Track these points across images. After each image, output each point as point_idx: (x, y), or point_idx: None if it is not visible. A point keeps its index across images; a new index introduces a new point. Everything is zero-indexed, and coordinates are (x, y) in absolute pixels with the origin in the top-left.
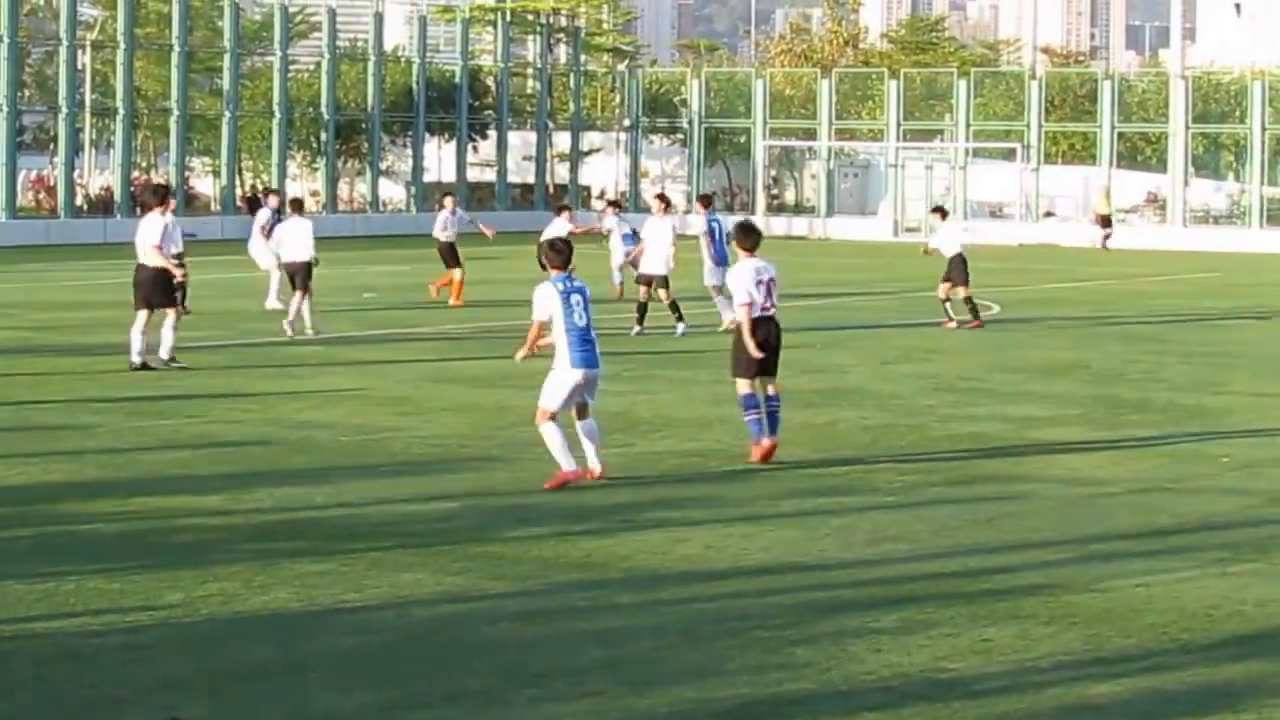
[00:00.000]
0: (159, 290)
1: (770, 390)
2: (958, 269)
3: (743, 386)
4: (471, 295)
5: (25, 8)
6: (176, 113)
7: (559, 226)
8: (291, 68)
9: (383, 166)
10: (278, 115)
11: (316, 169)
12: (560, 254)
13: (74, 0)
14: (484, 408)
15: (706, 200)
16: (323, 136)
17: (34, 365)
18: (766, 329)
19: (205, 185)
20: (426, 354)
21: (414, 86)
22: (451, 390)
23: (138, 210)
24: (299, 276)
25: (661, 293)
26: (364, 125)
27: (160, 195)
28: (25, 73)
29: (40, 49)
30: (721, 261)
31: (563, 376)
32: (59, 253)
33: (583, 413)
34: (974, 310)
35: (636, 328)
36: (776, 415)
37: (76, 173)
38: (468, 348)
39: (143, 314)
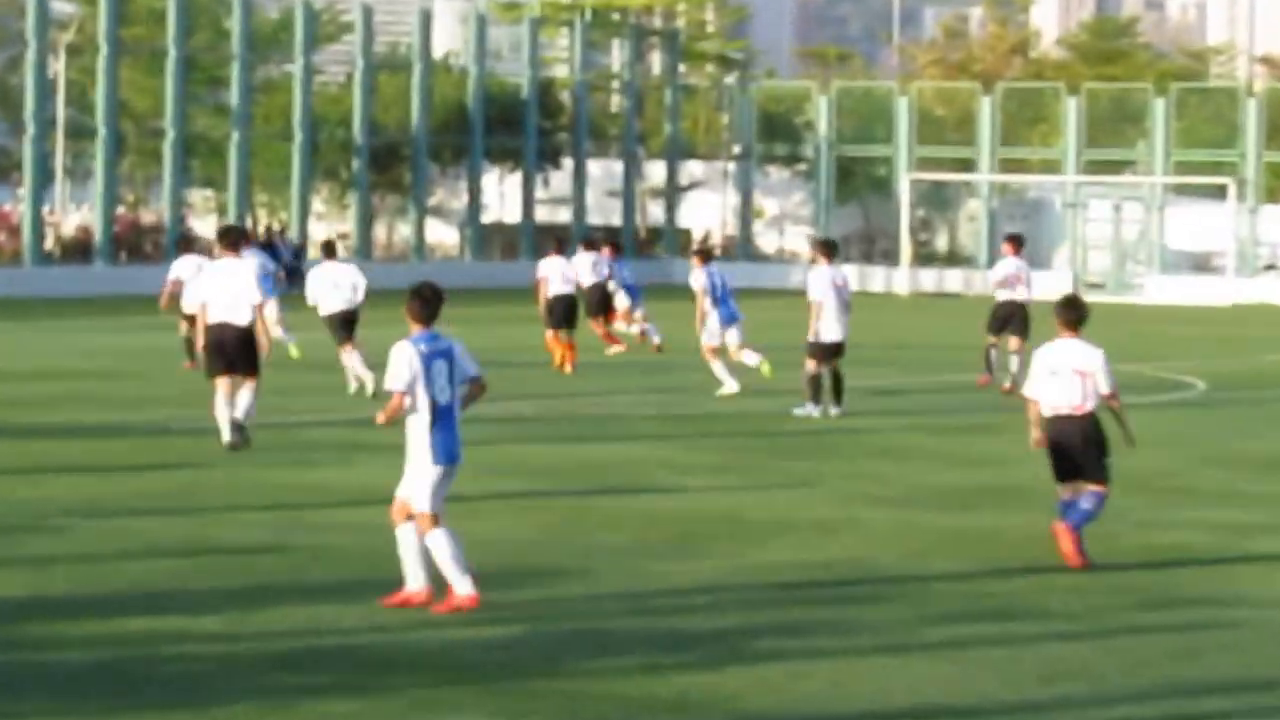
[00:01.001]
0: (245, 353)
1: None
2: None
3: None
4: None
5: None
6: (172, 134)
7: (587, 266)
8: (316, 79)
9: (430, 203)
10: (299, 137)
11: (347, 206)
12: (426, 304)
13: None
14: (554, 506)
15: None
16: (354, 165)
17: None
18: (1069, 428)
19: (207, 226)
20: (484, 438)
21: (469, 103)
22: (514, 483)
23: (145, 252)
24: (336, 330)
25: (813, 364)
26: (406, 151)
27: (238, 237)
28: None
29: (1, 53)
30: (728, 319)
31: (428, 472)
32: (22, 309)
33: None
34: (986, 363)
35: (835, 408)
36: (1086, 515)
37: (46, 209)
38: (537, 430)
39: (224, 382)
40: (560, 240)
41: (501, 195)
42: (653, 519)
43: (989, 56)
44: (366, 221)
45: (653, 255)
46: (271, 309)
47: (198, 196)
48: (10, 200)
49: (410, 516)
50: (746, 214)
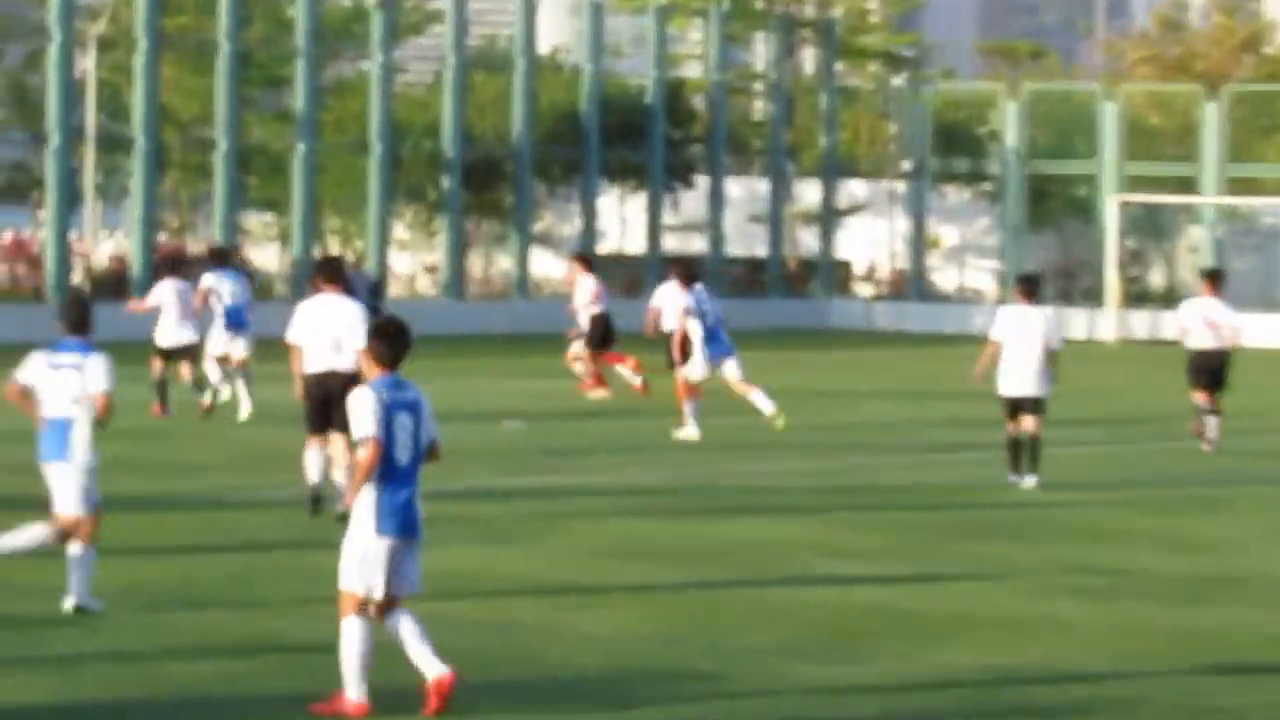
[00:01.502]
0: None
1: None
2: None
3: None
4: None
5: None
6: (224, 145)
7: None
8: (398, 79)
9: (535, 230)
10: (377, 150)
11: (435, 233)
12: (390, 343)
13: None
14: (683, 598)
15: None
16: (444, 183)
17: (13, 523)
18: None
19: (267, 255)
20: (597, 511)
21: (582, 109)
22: (635, 569)
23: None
24: None
25: (1032, 420)
26: (507, 167)
27: (338, 271)
28: None
29: (19, 48)
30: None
31: (364, 544)
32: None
33: (391, 603)
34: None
35: (1029, 478)
36: None
37: (74, 235)
38: (662, 504)
39: (318, 440)
40: (685, 265)
41: (622, 220)
42: (803, 613)
43: (1214, 53)
44: (459, 252)
45: (804, 294)
46: None
47: (255, 221)
48: (30, 225)
49: (362, 607)
50: (919, 244)
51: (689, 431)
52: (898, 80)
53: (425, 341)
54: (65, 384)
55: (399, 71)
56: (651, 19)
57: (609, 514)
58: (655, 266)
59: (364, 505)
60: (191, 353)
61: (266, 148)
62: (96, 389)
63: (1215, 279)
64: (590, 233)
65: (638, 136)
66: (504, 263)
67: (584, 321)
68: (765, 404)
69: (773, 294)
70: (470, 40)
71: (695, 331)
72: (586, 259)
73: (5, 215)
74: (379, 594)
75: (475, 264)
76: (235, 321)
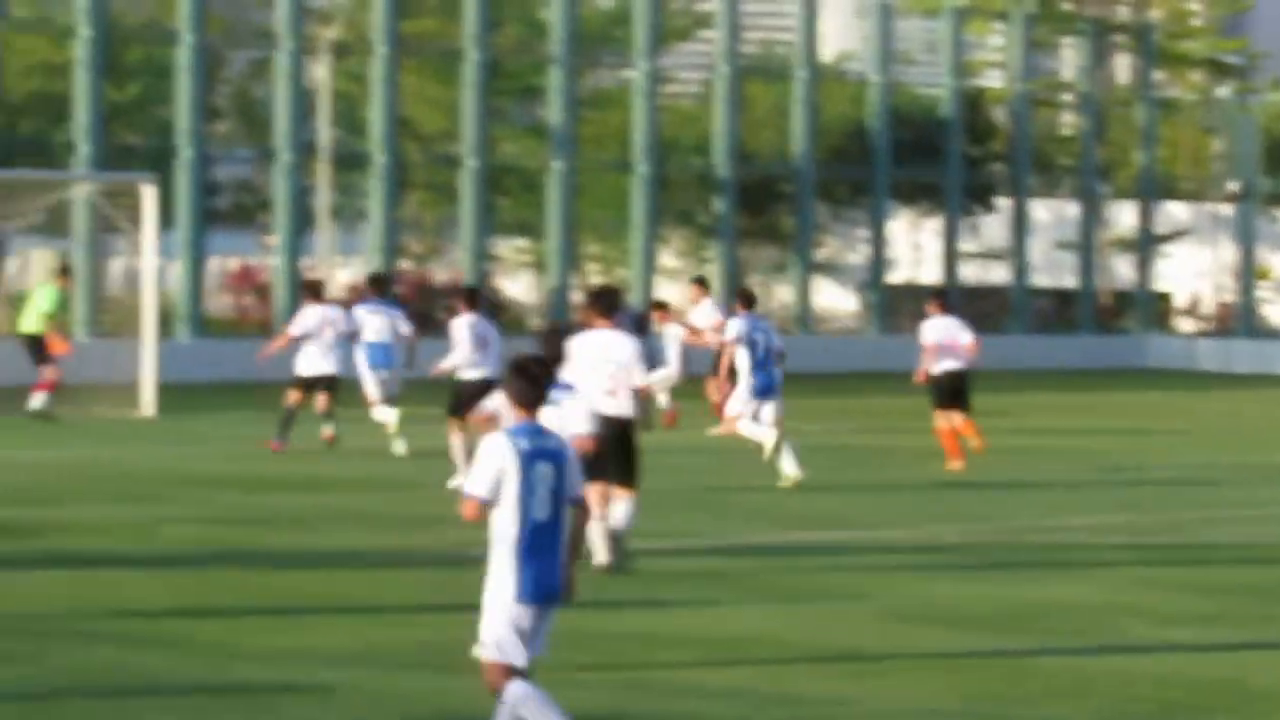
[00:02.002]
0: (623, 453)
1: None
2: None
3: None
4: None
5: None
6: (472, 163)
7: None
8: (665, 89)
9: (818, 257)
10: (641, 168)
11: (707, 260)
12: (533, 384)
13: None
14: (986, 666)
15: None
16: (717, 205)
17: (238, 581)
18: None
19: (519, 285)
20: (889, 569)
21: (870, 122)
22: (932, 635)
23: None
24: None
25: None
26: (786, 187)
27: (613, 302)
28: (218, 94)
29: (243, 55)
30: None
31: (503, 611)
32: (264, 393)
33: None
34: None
35: None
36: None
37: (305, 262)
38: (961, 562)
39: (596, 490)
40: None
41: (915, 247)
42: (1120, 685)
43: None
44: (734, 280)
45: (1118, 329)
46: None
47: (506, 247)
48: (257, 251)
49: (516, 674)
50: (1247, 274)
51: (765, 442)
52: (1223, 91)
53: (695, 381)
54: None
55: (665, 81)
56: (946, 23)
57: (898, 572)
58: (954, 297)
59: (501, 567)
60: (330, 384)
61: (518, 166)
62: (574, 430)
63: None
64: (879, 260)
65: (931, 154)
66: (783, 294)
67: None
68: (790, 464)
69: (1083, 329)
70: (744, 46)
71: (742, 361)
72: (703, 282)
73: (230, 240)
74: (520, 662)
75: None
76: (377, 359)
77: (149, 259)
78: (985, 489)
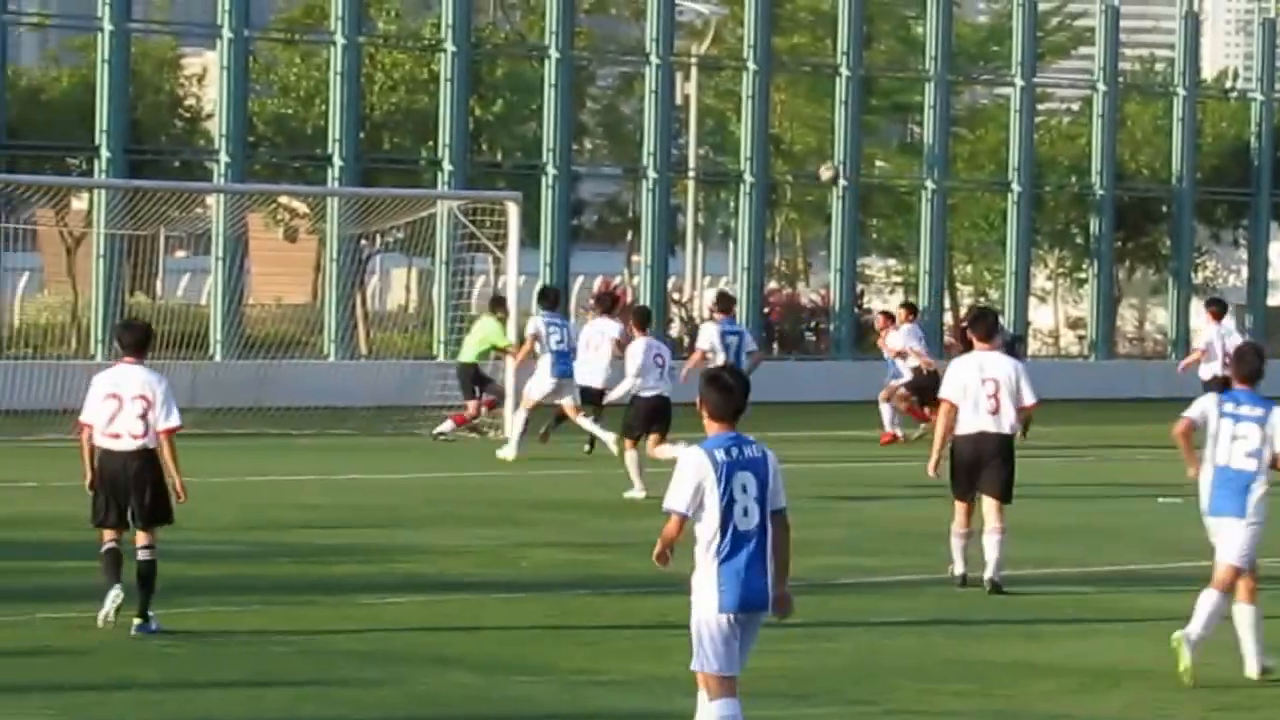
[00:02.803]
0: (1001, 467)
1: None
2: None
3: None
4: None
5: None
6: (843, 183)
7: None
8: (1041, 107)
9: (1196, 280)
10: (1016, 188)
11: (1081, 283)
12: (729, 395)
13: None
14: None
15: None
16: (1093, 226)
17: (600, 607)
18: None
19: (890, 305)
20: (1272, 597)
21: (1253, 142)
22: None
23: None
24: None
25: None
26: (1165, 208)
27: (992, 327)
28: (584, 110)
29: (611, 70)
30: None
31: (707, 622)
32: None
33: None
34: None
35: None
36: None
37: (671, 283)
38: None
39: (962, 510)
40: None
41: None
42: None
43: None
44: (1109, 304)
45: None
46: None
47: (877, 267)
48: (622, 272)
49: (727, 687)
50: None
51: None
52: None
53: (1065, 407)
54: (1245, 436)
55: (1041, 98)
56: None
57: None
58: None
59: (705, 579)
60: (593, 397)
61: (890, 185)
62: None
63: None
64: (1260, 283)
65: None
66: (1160, 317)
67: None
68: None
69: None
70: (1123, 64)
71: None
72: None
73: (595, 259)
74: (730, 671)
75: (1127, 318)
76: (564, 369)
77: (512, 278)
78: None
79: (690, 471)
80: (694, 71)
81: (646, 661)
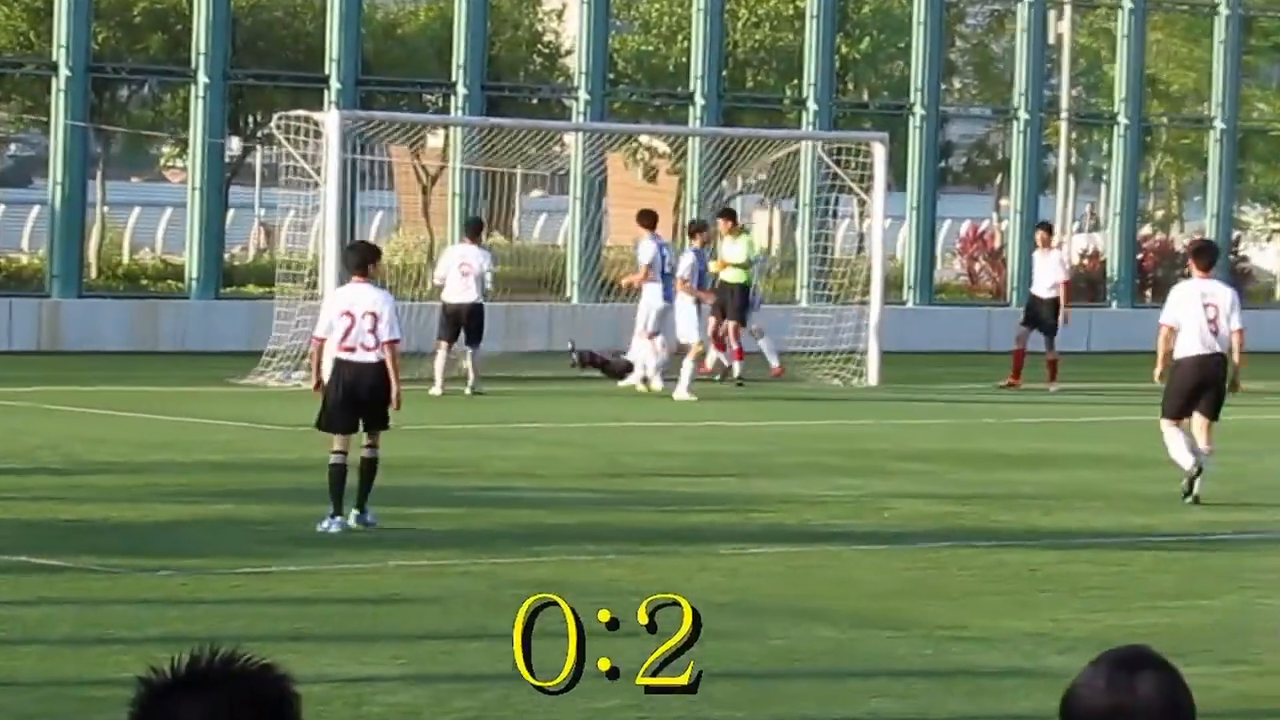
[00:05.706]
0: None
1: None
2: None
3: None
4: None
5: None
6: (1221, 125)
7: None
8: None
9: None
10: None
11: None
12: None
13: None
14: None
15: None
16: None
17: (966, 561)
18: None
19: (1265, 255)
20: None
21: None
22: None
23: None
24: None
25: None
26: None
27: None
28: (954, 49)
29: (982, 8)
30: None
31: None
32: (996, 365)
33: None
34: None
35: None
36: None
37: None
38: None
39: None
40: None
41: None
42: None
43: None
44: None
45: None
46: None
47: (1253, 214)
48: (991, 215)
49: None
50: None
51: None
52: None
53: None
54: None
55: None
56: None
57: None
58: None
59: None
60: None
61: (1266, 128)
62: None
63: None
64: None
65: None
66: None
67: None
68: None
69: None
70: None
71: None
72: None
73: (962, 202)
74: None
75: None
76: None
77: (878, 221)
78: None
79: None
80: (1068, 9)
81: (1014, 617)
